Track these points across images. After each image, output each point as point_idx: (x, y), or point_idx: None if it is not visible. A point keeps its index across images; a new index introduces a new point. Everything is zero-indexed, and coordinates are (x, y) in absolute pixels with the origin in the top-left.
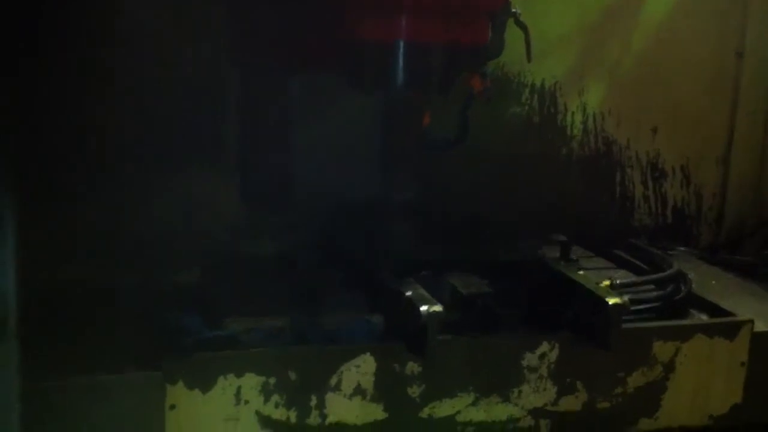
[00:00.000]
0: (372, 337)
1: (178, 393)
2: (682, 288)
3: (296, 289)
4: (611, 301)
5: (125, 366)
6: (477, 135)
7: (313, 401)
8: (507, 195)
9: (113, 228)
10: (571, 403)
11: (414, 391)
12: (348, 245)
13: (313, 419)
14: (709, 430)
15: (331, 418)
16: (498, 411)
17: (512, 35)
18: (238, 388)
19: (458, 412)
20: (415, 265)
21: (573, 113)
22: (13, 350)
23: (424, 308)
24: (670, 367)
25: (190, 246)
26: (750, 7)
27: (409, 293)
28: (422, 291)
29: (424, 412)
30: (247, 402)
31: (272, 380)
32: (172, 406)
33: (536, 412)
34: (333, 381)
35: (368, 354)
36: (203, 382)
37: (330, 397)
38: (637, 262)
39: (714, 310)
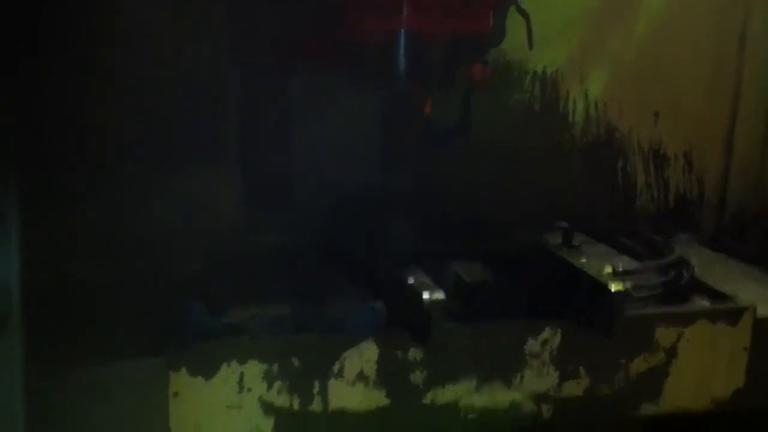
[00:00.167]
0: (375, 324)
1: (181, 380)
2: (685, 274)
3: (298, 285)
4: (614, 287)
5: (128, 354)
6: (478, 123)
7: (316, 388)
8: (508, 182)
9: (113, 227)
10: (574, 389)
11: (416, 377)
12: (348, 244)
13: (316, 406)
14: (711, 414)
15: (333, 405)
16: (500, 397)
17: (513, 23)
18: (241, 376)
19: (461, 398)
20: (417, 256)
21: (575, 100)
22: (17, 343)
23: (427, 295)
24: (672, 353)
25: (190, 245)
26: None
27: (411, 281)
28: (425, 278)
29: (427, 398)
30: (250, 389)
31: (275, 367)
32: (176, 394)
33: (538, 398)
34: (335, 368)
35: (370, 341)
36: (206, 370)
37: (332, 383)
38: (640, 249)
39: (716, 295)
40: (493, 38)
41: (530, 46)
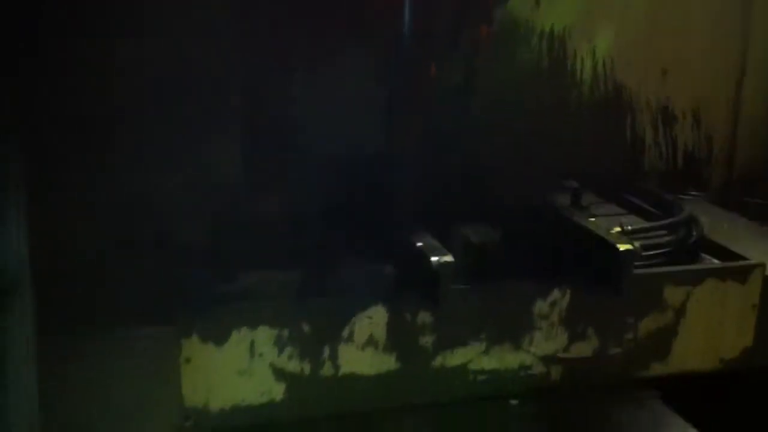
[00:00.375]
0: (384, 288)
1: (193, 347)
2: (694, 233)
3: (307, 245)
4: (622, 247)
5: (140, 321)
6: (485, 81)
7: (326, 353)
8: (517, 141)
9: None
10: (583, 350)
11: (426, 341)
12: (356, 206)
13: (327, 370)
14: (720, 373)
15: (344, 369)
16: (510, 359)
17: None
18: (252, 341)
19: (470, 360)
20: (425, 215)
21: (582, 58)
22: (28, 314)
23: (435, 259)
24: (681, 312)
25: (197, 207)
26: None
27: (420, 244)
28: (433, 241)
29: (437, 362)
30: (261, 355)
31: (285, 332)
32: (187, 360)
33: (547, 359)
34: (345, 332)
35: (380, 305)
36: (217, 336)
37: (343, 348)
38: (649, 207)
39: (725, 253)
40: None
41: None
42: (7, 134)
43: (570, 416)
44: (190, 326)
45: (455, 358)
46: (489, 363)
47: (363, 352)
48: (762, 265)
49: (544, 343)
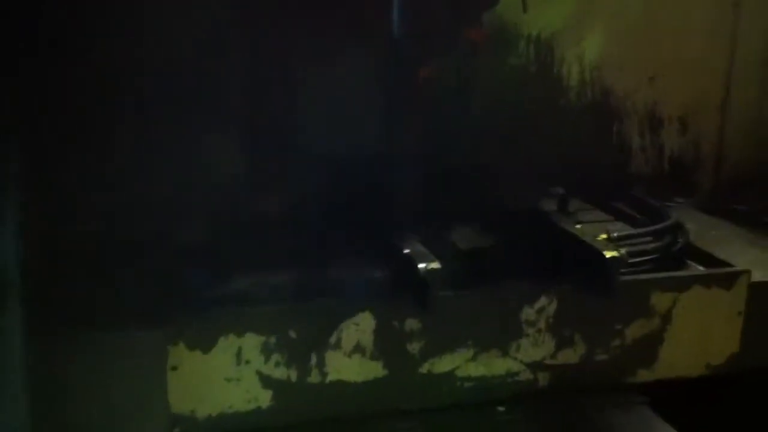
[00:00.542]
0: (374, 293)
1: (180, 354)
2: (680, 239)
3: (300, 245)
4: (608, 254)
5: (127, 327)
6: (474, 88)
7: (314, 360)
8: (504, 147)
9: (116, 188)
10: (570, 356)
11: (413, 347)
12: (352, 199)
13: (314, 377)
14: (707, 379)
15: (331, 377)
16: (497, 365)
17: None
18: (239, 348)
19: (457, 367)
20: (415, 216)
21: (570, 64)
22: (18, 315)
23: (423, 265)
24: (667, 319)
25: (194, 204)
26: None
27: (408, 250)
28: (421, 248)
29: (424, 368)
30: (248, 362)
31: (272, 339)
32: (174, 368)
33: (535, 366)
34: (333, 339)
35: (367, 312)
36: (204, 343)
37: (330, 355)
38: (635, 214)
39: (711, 260)
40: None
41: (524, 8)
42: (7, 134)
43: (557, 423)
44: (177, 333)
45: (443, 364)
46: (476, 369)
47: (350, 358)
48: (747, 272)
49: (532, 350)
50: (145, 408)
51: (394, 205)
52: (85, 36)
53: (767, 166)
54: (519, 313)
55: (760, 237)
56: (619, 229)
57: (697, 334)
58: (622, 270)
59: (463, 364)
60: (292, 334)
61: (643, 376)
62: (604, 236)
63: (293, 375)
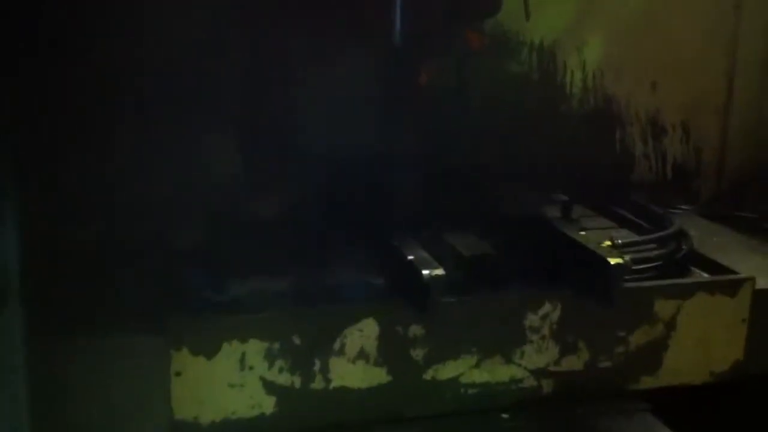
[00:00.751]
0: (375, 300)
1: (183, 360)
2: (683, 246)
3: (300, 249)
4: (613, 260)
5: (131, 333)
6: (476, 95)
7: (317, 366)
8: (508, 154)
9: (115, 190)
10: (573, 363)
11: (417, 354)
12: (351, 201)
13: (318, 384)
14: (710, 386)
15: (335, 383)
16: (501, 372)
17: None
18: (243, 354)
19: (461, 373)
20: (415, 220)
21: (572, 71)
22: (18, 316)
23: (426, 272)
24: (671, 325)
25: (191, 209)
26: None
27: (411, 256)
28: (424, 254)
29: (428, 375)
30: (251, 368)
31: (276, 345)
32: (178, 373)
33: (538, 373)
34: (336, 345)
35: (371, 318)
36: (208, 349)
37: (334, 361)
38: (638, 221)
39: (715, 267)
40: (489, 6)
41: (527, 16)
42: (7, 134)
43: (561, 430)
44: (181, 339)
45: (447, 371)
46: (480, 376)
47: (354, 364)
48: (752, 279)
49: (535, 356)
50: (146, 413)
51: (394, 209)
52: (85, 36)
53: None
54: (522, 320)
55: (762, 243)
56: (623, 235)
57: (700, 342)
58: (626, 277)
59: (466, 371)
60: (296, 340)
61: (647, 383)
62: (608, 243)
63: (297, 381)
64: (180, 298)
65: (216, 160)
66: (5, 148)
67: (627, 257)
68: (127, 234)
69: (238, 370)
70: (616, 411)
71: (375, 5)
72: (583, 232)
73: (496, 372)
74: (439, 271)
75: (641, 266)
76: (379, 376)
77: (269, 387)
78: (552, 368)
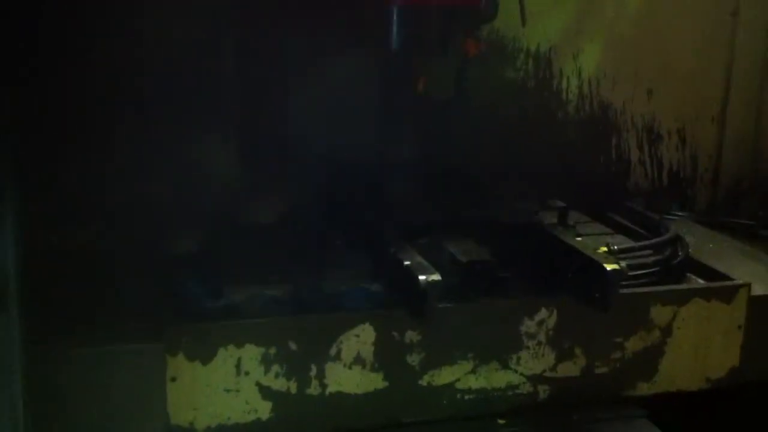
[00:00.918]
0: (372, 305)
1: (179, 365)
2: (680, 252)
3: (297, 254)
4: (609, 266)
5: (127, 338)
6: (473, 101)
7: (313, 371)
8: (504, 160)
9: (112, 194)
10: (570, 369)
11: (413, 359)
12: (349, 206)
13: (314, 389)
14: (707, 392)
15: (331, 388)
16: (497, 378)
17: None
18: (239, 359)
19: (458, 379)
20: (412, 226)
21: (568, 78)
22: (14, 322)
23: (423, 277)
24: (667, 332)
25: (190, 211)
26: None
27: (408, 262)
28: (421, 260)
29: (424, 380)
30: (247, 373)
31: (272, 351)
32: (173, 378)
33: (535, 379)
34: (333, 351)
35: (367, 323)
36: (204, 354)
37: (330, 366)
38: (634, 227)
39: (711, 273)
40: (485, 13)
41: (523, 22)
42: (7, 134)
43: None
44: (176, 344)
45: (443, 376)
46: (476, 382)
47: (350, 370)
48: (747, 286)
49: (532, 362)
50: (142, 418)
51: (391, 214)
52: (85, 36)
53: (763, 177)
54: (519, 326)
55: (757, 250)
56: (619, 242)
57: (697, 348)
58: (623, 283)
59: (463, 377)
60: (292, 346)
61: (643, 389)
62: (604, 249)
63: (293, 386)
64: (176, 303)
65: (215, 162)
66: (5, 148)
67: (623, 263)
68: (126, 237)
69: (234, 376)
70: (613, 417)
71: (373, 9)
72: (579, 238)
73: (492, 378)
74: (436, 277)
75: (637, 272)
76: (376, 381)
77: (265, 392)
78: (548, 374)
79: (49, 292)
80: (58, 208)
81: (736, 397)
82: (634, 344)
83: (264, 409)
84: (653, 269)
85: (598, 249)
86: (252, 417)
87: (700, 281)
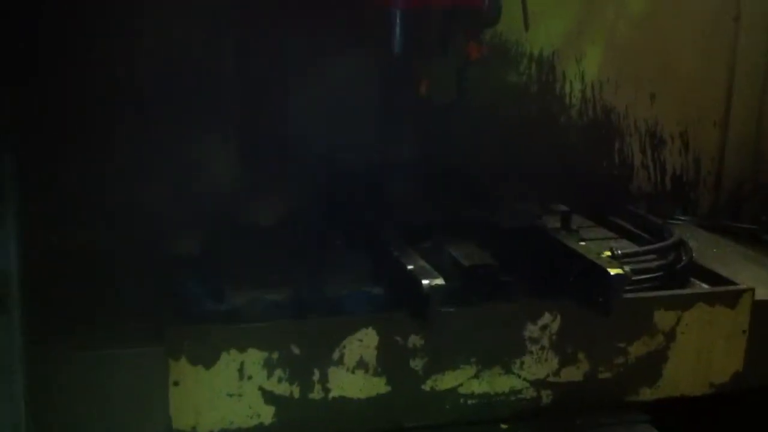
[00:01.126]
0: (374, 310)
1: (182, 369)
2: (683, 257)
3: (298, 256)
4: (613, 271)
5: (129, 342)
6: (476, 105)
7: (316, 375)
8: (507, 164)
9: (112, 194)
10: (573, 374)
11: (416, 364)
12: (349, 207)
13: (316, 393)
14: (710, 398)
15: (334, 393)
16: (500, 383)
17: (509, 3)
18: (241, 364)
19: (460, 384)
20: (412, 226)
21: (571, 82)
22: (15, 322)
23: (426, 282)
24: (671, 336)
25: (190, 212)
26: None
27: (411, 266)
28: (424, 264)
29: (427, 385)
30: (250, 377)
31: (275, 355)
32: (176, 383)
33: (538, 383)
34: (336, 355)
35: (370, 327)
36: (206, 358)
37: (333, 371)
38: (638, 231)
39: (715, 278)
40: (488, 16)
41: (526, 26)
42: (7, 134)
43: None
44: (179, 349)
45: (446, 381)
46: (479, 387)
47: (353, 375)
48: (751, 290)
49: (535, 367)
50: (144, 422)
51: (393, 217)
52: (85, 36)
53: (766, 180)
54: (522, 330)
55: (761, 254)
56: (623, 246)
57: (700, 353)
58: (626, 287)
59: (466, 381)
60: (295, 350)
61: (647, 394)
62: (607, 253)
63: (296, 391)
64: (176, 304)
65: (215, 162)
66: (5, 148)
67: (627, 268)
68: (126, 235)
69: (237, 380)
70: (616, 422)
71: (375, 11)
72: (582, 243)
73: (495, 382)
74: (439, 281)
75: (641, 277)
76: (378, 386)
77: (268, 397)
78: (551, 379)
79: (50, 293)
80: (58, 208)
81: (739, 403)
82: (637, 349)
83: (267, 414)
84: (657, 274)
85: (602, 253)
86: (255, 421)
87: (704, 286)
